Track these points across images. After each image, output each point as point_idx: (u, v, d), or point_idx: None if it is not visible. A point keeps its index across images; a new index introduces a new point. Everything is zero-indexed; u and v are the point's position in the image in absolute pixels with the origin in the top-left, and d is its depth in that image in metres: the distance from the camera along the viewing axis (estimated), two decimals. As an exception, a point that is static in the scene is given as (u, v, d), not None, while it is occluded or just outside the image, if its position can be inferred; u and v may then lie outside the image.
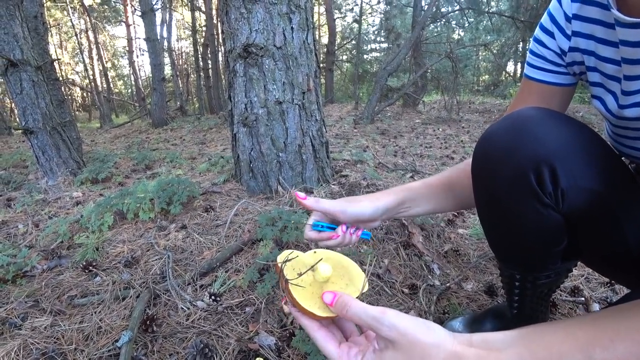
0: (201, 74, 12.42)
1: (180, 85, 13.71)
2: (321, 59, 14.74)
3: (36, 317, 1.13)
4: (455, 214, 2.10)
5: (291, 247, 1.43)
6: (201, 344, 0.92)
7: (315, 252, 0.61)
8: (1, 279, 1.40)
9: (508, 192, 0.62)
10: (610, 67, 0.58)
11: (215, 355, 0.93)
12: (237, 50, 2.05)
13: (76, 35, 13.84)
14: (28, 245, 1.86)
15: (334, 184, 2.16)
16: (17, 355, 0.99)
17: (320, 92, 2.38)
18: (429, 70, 9.23)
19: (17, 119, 3.50)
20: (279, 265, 0.54)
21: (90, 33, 15.45)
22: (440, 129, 6.00)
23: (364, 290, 0.53)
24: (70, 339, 1.02)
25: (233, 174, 2.33)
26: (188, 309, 1.09)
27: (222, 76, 12.14)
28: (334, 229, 0.68)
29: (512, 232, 0.69)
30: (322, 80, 13.42)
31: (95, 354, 0.96)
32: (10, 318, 1.14)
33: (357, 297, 0.48)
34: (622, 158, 0.68)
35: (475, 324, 1.05)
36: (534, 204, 0.60)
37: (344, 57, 17.96)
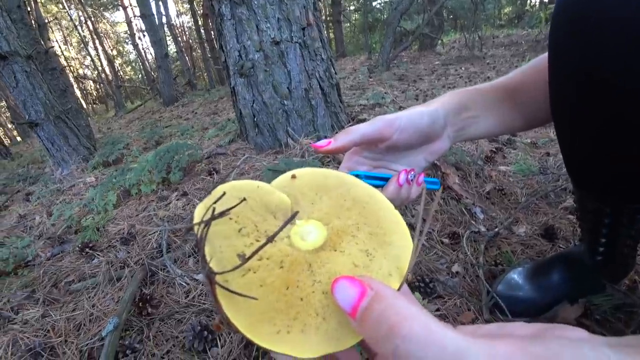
0: (205, 45, 12.01)
1: (188, 61, 13.43)
2: (327, 11, 13.84)
3: (29, 309, 1.01)
4: (494, 149, 1.83)
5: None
6: (199, 326, 0.75)
7: (290, 176, 0.31)
8: (3, 272, 1.30)
9: (627, 65, 0.36)
10: None
11: (218, 338, 0.76)
12: (218, -12, 1.76)
13: (76, 28, 13.67)
14: (38, 235, 1.77)
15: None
16: (6, 352, 0.87)
17: (327, 38, 2.06)
18: (445, 9, 8.42)
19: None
20: (198, 231, 0.23)
21: (89, 23, 15.22)
22: (462, 68, 5.52)
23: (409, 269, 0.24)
24: (60, 330, 0.88)
25: (238, 133, 2.12)
26: (187, 284, 0.93)
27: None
28: (386, 179, 0.42)
29: (620, 134, 0.43)
30: (331, 35, 12.66)
31: (86, 345, 0.82)
32: (3, 312, 1.03)
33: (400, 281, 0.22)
34: None
35: (539, 275, 0.83)
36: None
37: (352, 7, 16.82)
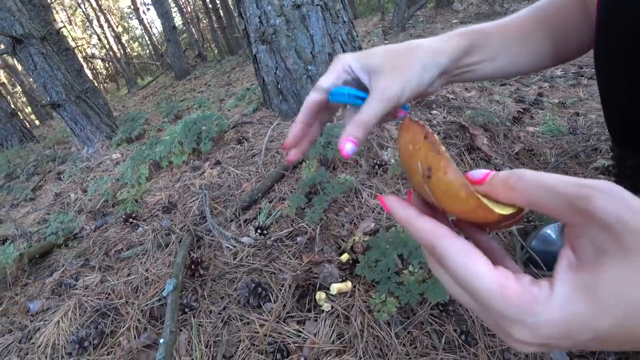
0: (212, 15, 11.72)
1: (195, 32, 13.16)
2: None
3: (87, 275, 1.07)
4: (521, 110, 1.78)
5: (338, 165, 1.23)
6: (253, 283, 0.79)
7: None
8: (55, 244, 1.37)
9: None
10: None
11: (270, 294, 0.80)
12: (234, -50, 1.69)
13: (79, 6, 13.45)
14: (78, 210, 1.85)
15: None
16: (74, 314, 0.93)
17: None
18: None
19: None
20: (421, 128, 0.27)
21: (92, 0, 14.94)
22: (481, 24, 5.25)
23: None
24: (120, 292, 0.94)
25: (262, 101, 2.11)
26: (234, 247, 0.96)
27: (234, 12, 11.39)
28: (364, 98, 0.40)
29: None
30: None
31: (146, 305, 0.87)
32: (65, 279, 1.10)
33: None
34: None
35: None
36: None
37: None
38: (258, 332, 0.75)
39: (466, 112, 1.66)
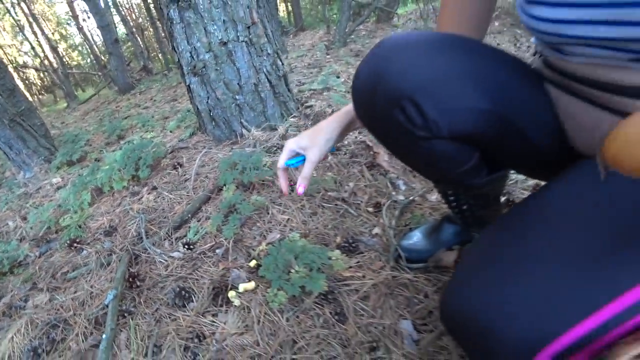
0: (158, 24, 11.53)
1: (141, 43, 12.82)
2: (280, -19, 13.42)
3: (36, 296, 1.25)
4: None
5: (257, 187, 1.49)
6: (178, 288, 1.02)
7: None
8: (2, 272, 1.50)
9: (385, 132, 0.63)
10: None
11: (192, 296, 1.04)
12: (165, -3, 1.91)
13: (8, 11, 12.59)
14: (19, 239, 1.94)
15: (297, 117, 2.16)
16: (27, 329, 1.11)
17: (278, 22, 2.24)
18: None
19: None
20: None
21: (23, 5, 14.03)
22: None
23: None
24: (68, 307, 1.13)
25: (198, 126, 2.32)
26: (166, 261, 1.19)
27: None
28: (303, 159, 0.79)
29: (412, 161, 0.72)
30: (290, 8, 12.37)
31: (92, 314, 1.08)
32: (15, 302, 1.26)
33: None
34: (533, 44, 0.66)
35: (434, 232, 1.11)
36: (411, 138, 0.59)
37: None
38: (182, 325, 0.99)
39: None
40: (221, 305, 1.03)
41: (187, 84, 2.15)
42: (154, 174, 1.78)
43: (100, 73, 12.95)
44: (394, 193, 1.54)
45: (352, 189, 1.54)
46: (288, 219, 1.33)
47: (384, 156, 1.84)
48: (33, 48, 14.53)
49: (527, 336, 0.43)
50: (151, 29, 15.35)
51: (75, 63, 19.98)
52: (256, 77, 2.11)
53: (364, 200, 1.50)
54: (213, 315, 1.01)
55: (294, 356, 0.90)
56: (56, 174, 2.98)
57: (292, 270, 1.05)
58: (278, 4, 10.70)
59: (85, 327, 1.05)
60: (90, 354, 0.99)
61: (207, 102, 2.09)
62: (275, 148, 1.64)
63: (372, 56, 0.58)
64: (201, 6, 1.94)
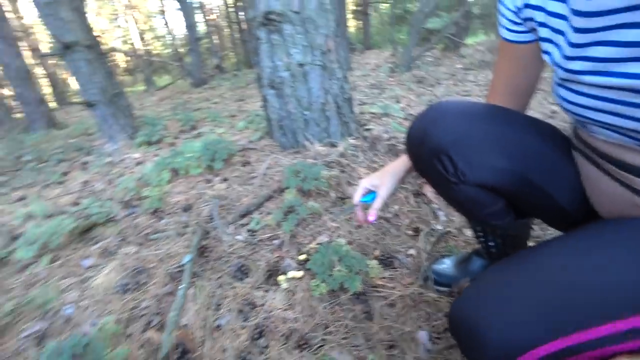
0: (235, 27, 12.44)
1: (217, 41, 13.87)
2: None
3: (125, 247, 1.55)
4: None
5: (313, 195, 1.72)
6: (239, 264, 1.26)
7: None
8: (98, 223, 1.84)
9: (428, 174, 0.80)
10: (557, 21, 0.63)
11: (249, 272, 1.28)
12: (258, 19, 2.23)
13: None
14: (109, 199, 2.32)
15: (356, 138, 2.37)
16: (118, 270, 1.40)
17: (347, 38, 2.50)
18: (476, 5, 8.43)
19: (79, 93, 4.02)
20: None
21: (124, -3, 15.78)
22: (482, 75, 5.62)
23: None
24: (151, 260, 1.41)
25: (267, 131, 2.62)
26: (231, 241, 1.44)
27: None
28: (375, 196, 0.97)
29: (448, 199, 0.88)
30: (360, 26, 12.64)
31: (168, 270, 1.34)
32: (109, 248, 1.57)
33: None
34: (569, 120, 0.77)
35: (463, 262, 1.26)
36: (445, 182, 0.76)
37: None
38: (239, 293, 1.22)
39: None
40: (272, 285, 1.25)
41: (264, 94, 2.45)
42: (226, 167, 2.07)
43: (177, 64, 14.16)
44: (433, 222, 1.69)
45: (396, 211, 1.71)
46: (337, 227, 1.53)
47: (429, 187, 1.99)
48: (125, 35, 16.18)
49: (512, 339, 0.55)
50: (227, 30, 16.53)
51: (156, 52, 21.81)
52: (325, 97, 2.37)
53: (405, 223, 1.66)
54: (265, 291, 1.23)
55: (324, 336, 1.10)
56: (137, 151, 3.43)
57: (335, 269, 1.25)
58: (347, 20, 11.12)
59: (163, 278, 1.32)
60: (165, 298, 1.25)
61: (279, 113, 2.38)
62: (333, 163, 1.88)
63: (424, 116, 0.77)
64: (287, 31, 2.24)
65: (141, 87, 12.39)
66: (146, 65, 12.26)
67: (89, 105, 3.78)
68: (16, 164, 4.16)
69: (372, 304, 1.21)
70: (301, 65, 2.29)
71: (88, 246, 1.63)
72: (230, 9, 13.65)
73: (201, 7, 14.03)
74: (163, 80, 13.79)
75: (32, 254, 1.62)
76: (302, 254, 1.38)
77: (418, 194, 1.90)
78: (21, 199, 2.88)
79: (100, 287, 1.34)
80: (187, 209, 1.73)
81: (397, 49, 8.61)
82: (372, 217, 0.95)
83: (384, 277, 1.31)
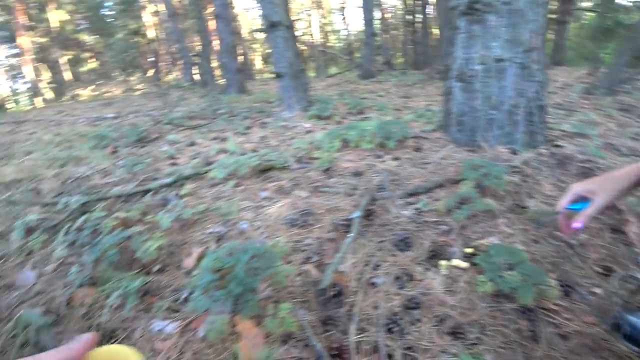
0: (409, 28, 12.48)
1: (390, 40, 14.20)
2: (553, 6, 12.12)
3: (297, 191, 1.73)
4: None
5: (491, 193, 1.58)
6: (403, 235, 1.26)
7: None
8: (275, 167, 2.10)
9: None
10: None
11: (411, 247, 1.26)
12: (461, 7, 2.14)
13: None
14: (283, 152, 2.63)
15: (543, 150, 2.09)
16: (289, 207, 1.58)
17: (545, 51, 2.22)
18: None
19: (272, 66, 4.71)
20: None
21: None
22: None
23: None
24: (320, 207, 1.54)
25: (440, 125, 2.54)
26: (397, 213, 1.45)
27: (431, 31, 11.89)
28: (586, 205, 0.81)
29: None
30: (552, 37, 11.10)
31: (334, 220, 1.44)
32: (284, 188, 1.78)
33: None
34: None
35: None
36: None
37: (587, 3, 13.96)
38: (398, 261, 1.22)
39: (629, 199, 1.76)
40: (432, 266, 1.21)
41: (449, 86, 2.37)
42: (398, 148, 2.10)
43: (347, 57, 15.09)
44: (633, 267, 1.37)
45: (584, 241, 1.45)
46: (511, 233, 1.38)
47: (633, 227, 1.62)
48: (307, 27, 18.05)
49: None
50: (399, 30, 16.71)
51: (330, 44, 23.64)
52: (517, 100, 2.14)
53: (593, 257, 1.40)
54: (425, 269, 1.20)
55: (479, 335, 1.00)
56: (308, 121, 3.80)
57: (508, 273, 1.13)
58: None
59: (328, 225, 1.42)
60: (327, 242, 1.34)
61: (462, 107, 2.26)
62: (515, 170, 1.70)
63: None
64: (490, 22, 2.09)
65: (311, 74, 13.66)
66: (320, 55, 13.42)
67: (278, 75, 4.35)
68: (213, 115, 5.13)
69: (541, 326, 1.05)
70: (499, 60, 2.12)
71: (265, 182, 1.89)
72: (406, 10, 13.71)
73: (379, 5, 14.52)
74: (331, 70, 14.90)
75: (222, 176, 1.98)
76: (469, 247, 1.29)
77: (616, 230, 1.57)
78: (215, 138, 3.55)
79: (272, 215, 1.54)
80: (357, 174, 1.82)
81: (598, 68, 7.19)
82: (579, 223, 0.79)
83: (559, 304, 1.13)
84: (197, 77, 11.04)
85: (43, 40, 15.21)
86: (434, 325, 1.01)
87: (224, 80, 8.01)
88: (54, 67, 15.12)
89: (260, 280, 1.05)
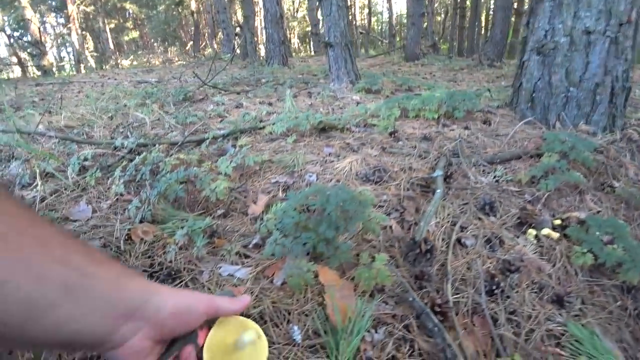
0: (457, 12, 11.93)
1: (436, 23, 13.67)
2: None
3: (365, 149, 1.66)
4: None
5: (577, 166, 1.47)
6: (488, 200, 1.18)
7: None
8: (338, 128, 2.04)
9: None
10: None
11: (496, 212, 1.18)
12: (556, -29, 1.97)
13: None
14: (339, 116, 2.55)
15: (619, 135, 1.92)
16: (360, 163, 1.51)
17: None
18: None
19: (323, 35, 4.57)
20: None
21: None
22: None
23: None
24: (392, 164, 1.48)
25: (507, 102, 2.39)
26: (475, 178, 1.37)
27: (482, 17, 11.34)
28: None
29: None
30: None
31: (411, 179, 1.37)
32: (350, 145, 1.72)
33: None
34: None
35: None
36: None
37: None
38: (485, 225, 1.14)
39: None
40: (522, 233, 1.13)
41: (524, 59, 2.21)
42: (467, 118, 1.99)
43: (386, 40, 14.68)
44: None
45: None
46: (599, 211, 1.27)
47: None
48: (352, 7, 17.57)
49: None
50: (448, 14, 16.04)
51: (371, 27, 23.08)
52: (602, 78, 1.97)
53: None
54: (514, 235, 1.12)
55: (576, 306, 0.92)
56: (356, 94, 3.70)
57: (609, 246, 1.03)
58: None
59: (405, 184, 1.35)
60: (406, 200, 1.28)
61: (536, 82, 2.11)
62: (599, 149, 1.57)
63: None
64: (585, -10, 1.91)
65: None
66: (363, 36, 13.09)
67: (328, 45, 4.23)
68: (257, 83, 5.10)
69: (652, 306, 0.96)
70: (588, 32, 1.94)
71: (329, 140, 1.83)
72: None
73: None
74: (371, 52, 14.54)
75: (281, 131, 1.93)
76: (557, 218, 1.20)
77: None
78: (262, 102, 3.52)
79: (342, 170, 1.48)
80: (426, 139, 1.73)
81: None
82: None
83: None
84: (237, 51, 11.03)
85: (89, 9, 15.56)
86: (533, 292, 0.94)
87: (265, 52, 7.95)
88: (98, 37, 15.47)
89: (354, 226, 0.98)
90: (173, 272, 1.00)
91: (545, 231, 1.13)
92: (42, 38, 11.28)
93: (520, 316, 0.86)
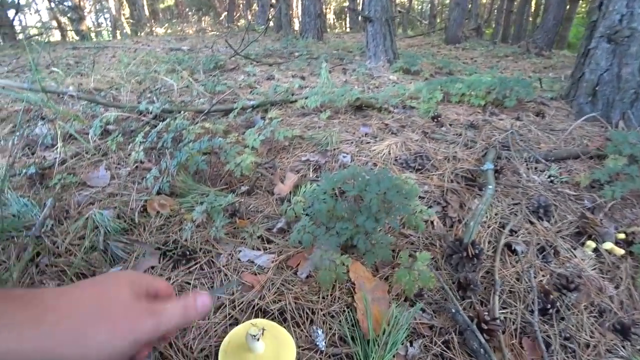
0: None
1: (481, 6, 12.88)
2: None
3: (407, 133, 1.53)
4: None
5: None
6: (542, 202, 1.04)
7: None
8: (375, 107, 1.90)
9: None
10: None
11: (551, 216, 1.04)
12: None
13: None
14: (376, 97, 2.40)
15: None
16: (396, 148, 1.39)
17: None
18: None
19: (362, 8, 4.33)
20: None
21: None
22: None
23: None
24: (434, 152, 1.34)
25: (562, 94, 2.16)
26: (527, 175, 1.22)
27: (532, 1, 10.58)
28: None
29: None
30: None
31: (454, 171, 1.24)
32: (390, 127, 1.59)
33: None
34: None
35: None
36: None
37: None
38: (538, 231, 1.01)
39: None
40: (580, 244, 0.99)
41: (589, 47, 1.97)
42: (517, 108, 1.81)
43: (425, 21, 13.98)
44: None
45: None
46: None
47: None
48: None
49: None
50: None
51: (411, 6, 22.07)
52: (684, 74, 1.73)
53: None
54: (571, 246, 0.98)
55: None
56: (393, 73, 3.50)
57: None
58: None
59: (449, 175, 1.23)
60: (450, 193, 1.16)
61: (602, 74, 1.88)
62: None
63: None
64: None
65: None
66: (402, 15, 12.51)
67: (367, 19, 4.00)
68: (290, 56, 4.94)
69: None
70: (674, 21, 1.69)
71: (365, 119, 1.71)
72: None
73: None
74: (409, 32, 13.92)
75: (314, 105, 1.82)
76: (621, 232, 1.05)
77: None
78: (294, 76, 3.39)
79: (380, 153, 1.36)
80: (473, 126, 1.58)
81: None
82: None
83: None
84: (271, 23, 10.77)
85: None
86: (592, 316, 0.82)
87: (300, 25, 7.70)
88: (134, 3, 15.43)
89: (396, 220, 0.86)
90: (188, 252, 0.91)
91: (608, 245, 0.99)
92: (81, 3, 11.38)
93: (576, 343, 0.74)
